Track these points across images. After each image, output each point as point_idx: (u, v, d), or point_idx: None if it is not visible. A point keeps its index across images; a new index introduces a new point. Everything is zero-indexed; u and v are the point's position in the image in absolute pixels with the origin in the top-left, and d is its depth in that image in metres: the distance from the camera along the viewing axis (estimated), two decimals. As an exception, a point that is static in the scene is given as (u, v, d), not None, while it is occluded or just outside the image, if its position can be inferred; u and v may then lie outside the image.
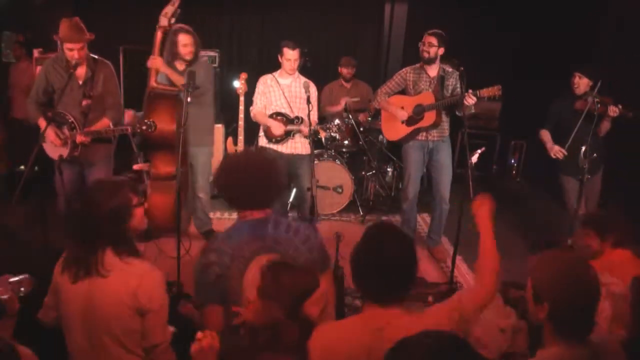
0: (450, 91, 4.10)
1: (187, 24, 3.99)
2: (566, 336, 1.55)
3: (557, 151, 4.05)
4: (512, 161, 6.68)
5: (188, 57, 3.95)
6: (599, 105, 3.83)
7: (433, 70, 4.10)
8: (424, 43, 4.01)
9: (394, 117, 4.22)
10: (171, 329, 2.07)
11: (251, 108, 4.37)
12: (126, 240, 1.93)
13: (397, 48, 6.64)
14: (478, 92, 3.74)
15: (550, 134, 4.16)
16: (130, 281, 1.85)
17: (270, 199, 2.12)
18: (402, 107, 4.18)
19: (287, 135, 4.21)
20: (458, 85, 4.09)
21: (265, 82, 4.31)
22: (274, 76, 4.32)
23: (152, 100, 3.87)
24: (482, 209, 1.98)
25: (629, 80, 4.66)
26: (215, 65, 5.80)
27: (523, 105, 5.73)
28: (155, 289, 1.90)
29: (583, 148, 3.92)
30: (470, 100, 3.74)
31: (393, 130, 4.29)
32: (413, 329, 1.58)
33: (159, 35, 3.62)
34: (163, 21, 3.51)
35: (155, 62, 3.66)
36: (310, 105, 3.82)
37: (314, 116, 4.27)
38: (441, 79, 4.07)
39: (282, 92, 4.24)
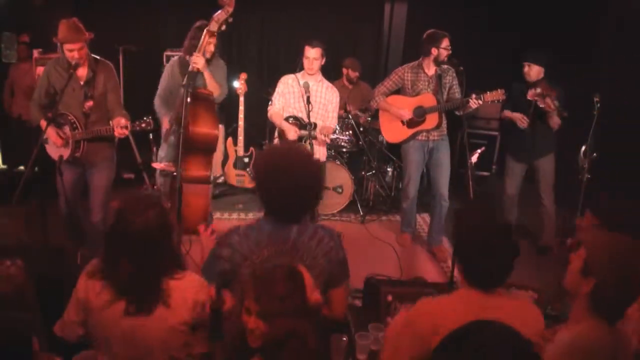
0: (447, 89, 4.10)
1: (185, 24, 3.97)
2: (600, 316, 1.55)
3: (520, 118, 4.13)
4: (512, 161, 6.66)
5: (208, 56, 3.92)
6: (538, 99, 3.91)
7: (431, 69, 4.10)
8: (445, 47, 3.96)
9: (394, 118, 4.21)
10: None
11: (269, 107, 4.26)
12: (177, 256, 1.92)
13: (397, 48, 6.62)
14: (482, 96, 3.75)
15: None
16: (188, 297, 1.86)
17: (307, 212, 2.07)
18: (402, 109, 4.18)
19: (300, 141, 4.03)
20: (455, 83, 4.09)
21: (287, 83, 4.17)
22: (296, 77, 4.16)
23: (192, 101, 3.82)
24: None
25: (629, 80, 4.67)
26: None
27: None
28: (207, 298, 1.89)
29: (583, 147, 3.93)
30: (474, 104, 3.75)
31: (394, 132, 4.27)
32: (518, 308, 1.68)
33: (205, 38, 3.59)
34: (213, 26, 3.45)
35: (201, 60, 3.63)
36: (310, 105, 3.80)
37: (333, 123, 4.20)
38: (439, 77, 4.06)
39: (302, 95, 4.12)
